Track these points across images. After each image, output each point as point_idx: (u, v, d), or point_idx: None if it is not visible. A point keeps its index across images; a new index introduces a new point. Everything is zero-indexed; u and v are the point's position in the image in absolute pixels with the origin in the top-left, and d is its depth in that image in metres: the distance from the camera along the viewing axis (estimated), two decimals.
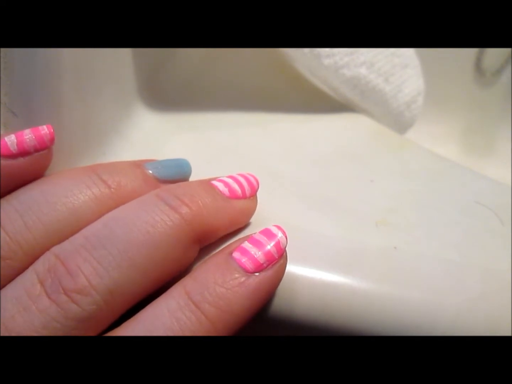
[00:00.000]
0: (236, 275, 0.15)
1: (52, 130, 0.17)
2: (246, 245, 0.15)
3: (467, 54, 0.48)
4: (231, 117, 0.26)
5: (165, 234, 0.15)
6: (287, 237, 0.16)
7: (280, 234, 0.16)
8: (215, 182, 0.17)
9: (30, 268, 0.14)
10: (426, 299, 0.16)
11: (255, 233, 0.16)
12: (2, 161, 0.16)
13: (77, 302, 0.13)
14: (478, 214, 0.21)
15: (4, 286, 0.14)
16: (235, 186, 0.17)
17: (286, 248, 0.16)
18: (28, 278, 0.14)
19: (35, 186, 0.16)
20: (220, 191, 0.17)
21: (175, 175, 0.18)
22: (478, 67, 0.49)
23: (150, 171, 0.18)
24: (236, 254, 0.15)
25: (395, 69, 0.30)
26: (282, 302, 0.16)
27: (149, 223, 0.15)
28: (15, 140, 0.16)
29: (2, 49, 0.17)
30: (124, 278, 0.14)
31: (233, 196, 0.17)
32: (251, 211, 0.18)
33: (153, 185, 0.17)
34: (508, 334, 0.16)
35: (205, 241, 0.16)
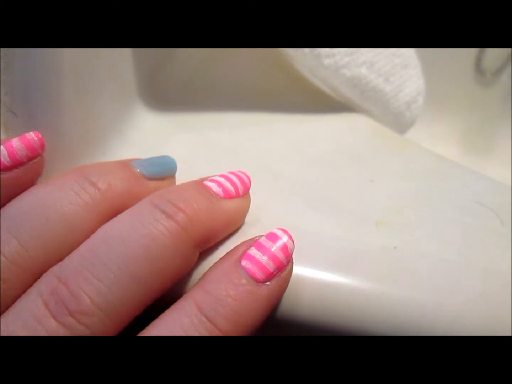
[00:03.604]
0: (248, 287, 0.14)
1: (41, 136, 0.16)
2: (254, 252, 0.15)
3: (467, 54, 0.48)
4: (231, 117, 0.26)
5: (163, 245, 0.14)
6: (294, 241, 0.16)
7: (286, 238, 0.16)
8: (208, 183, 0.17)
9: (34, 290, 0.14)
10: (426, 299, 0.16)
11: (261, 237, 0.16)
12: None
13: (84, 323, 0.13)
14: (478, 214, 0.21)
15: (7, 307, 0.14)
16: (228, 185, 0.17)
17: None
18: (33, 300, 0.14)
19: (24, 200, 0.16)
20: (214, 192, 0.16)
21: (162, 172, 0.18)
22: (478, 67, 0.49)
23: (138, 170, 0.17)
24: (245, 263, 0.15)
25: (395, 69, 0.30)
26: (282, 302, 0.16)
27: (147, 236, 0.14)
28: (6, 152, 0.16)
29: (2, 49, 0.17)
30: (126, 292, 0.14)
31: (227, 196, 0.17)
32: (245, 210, 0.18)
33: (143, 184, 0.17)
34: (508, 334, 0.16)
35: (204, 245, 0.16)
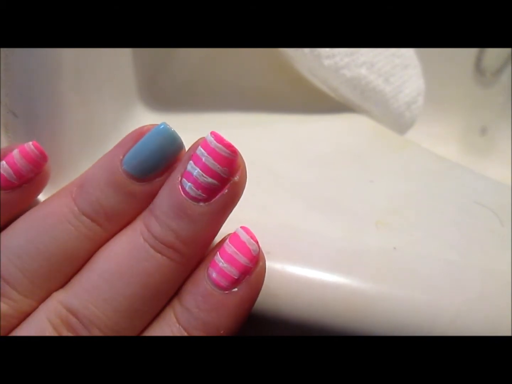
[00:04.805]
0: (215, 298, 0.14)
1: (40, 147, 0.16)
2: (217, 259, 0.15)
3: (467, 54, 0.48)
4: (231, 117, 0.26)
5: (163, 282, 0.15)
6: (257, 241, 0.15)
7: (247, 239, 0.15)
8: (186, 187, 0.14)
9: (41, 314, 0.14)
10: (426, 299, 0.16)
11: (226, 242, 0.15)
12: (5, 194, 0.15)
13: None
14: (478, 214, 0.21)
15: (13, 326, 0.14)
16: (208, 180, 0.14)
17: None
18: (42, 322, 0.14)
19: (22, 234, 0.15)
20: (194, 198, 0.14)
21: (154, 170, 0.15)
22: (478, 67, 0.49)
23: (128, 171, 0.15)
24: (210, 271, 0.15)
25: (395, 70, 0.30)
26: (282, 303, 0.16)
27: (144, 274, 0.14)
28: (11, 171, 0.16)
29: (2, 49, 0.17)
30: (126, 322, 0.14)
31: (211, 195, 0.14)
32: (241, 189, 0.15)
33: (138, 199, 0.15)
34: (508, 334, 0.16)
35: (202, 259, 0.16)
